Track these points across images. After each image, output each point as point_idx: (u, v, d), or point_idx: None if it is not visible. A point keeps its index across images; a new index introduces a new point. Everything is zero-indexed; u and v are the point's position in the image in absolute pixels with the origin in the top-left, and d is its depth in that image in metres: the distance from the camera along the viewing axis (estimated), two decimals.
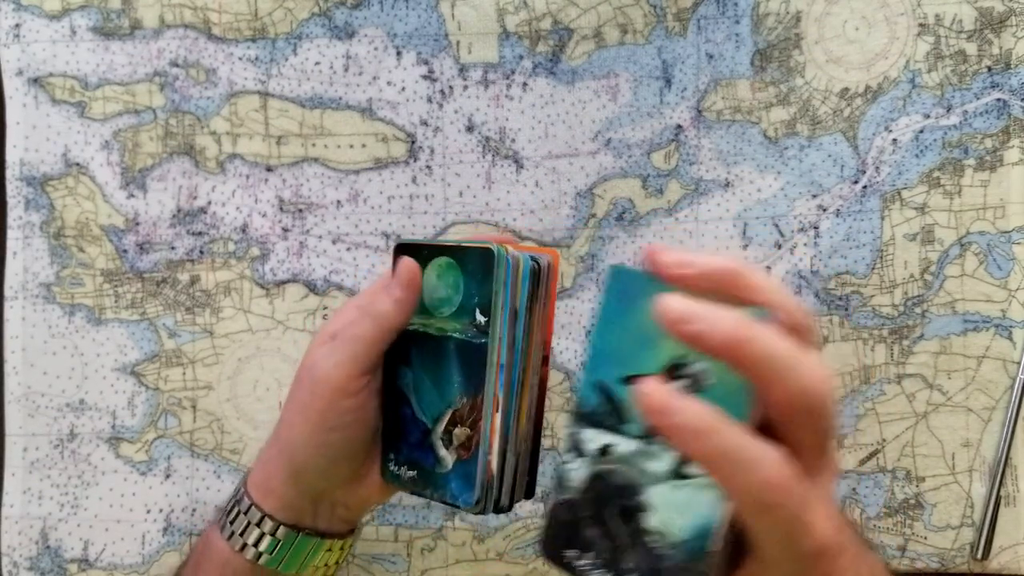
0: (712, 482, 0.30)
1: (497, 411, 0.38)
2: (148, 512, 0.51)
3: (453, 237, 0.51)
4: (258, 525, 0.42)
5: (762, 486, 0.28)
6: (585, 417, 0.33)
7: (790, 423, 0.30)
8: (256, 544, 0.42)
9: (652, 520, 0.31)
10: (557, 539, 0.34)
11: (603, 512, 0.33)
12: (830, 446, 0.31)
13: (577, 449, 0.34)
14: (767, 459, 0.28)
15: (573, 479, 0.33)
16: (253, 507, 0.42)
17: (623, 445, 0.32)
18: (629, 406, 0.32)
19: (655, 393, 0.29)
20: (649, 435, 0.32)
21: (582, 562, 0.33)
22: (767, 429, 0.30)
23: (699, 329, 0.29)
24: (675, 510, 0.31)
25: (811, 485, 0.30)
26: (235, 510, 0.42)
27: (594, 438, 0.33)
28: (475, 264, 0.38)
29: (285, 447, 0.41)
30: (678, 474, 0.31)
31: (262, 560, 0.42)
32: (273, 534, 0.42)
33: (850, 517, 0.37)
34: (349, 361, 0.39)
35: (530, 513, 0.51)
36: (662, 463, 0.31)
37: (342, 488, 0.42)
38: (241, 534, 0.42)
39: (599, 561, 0.32)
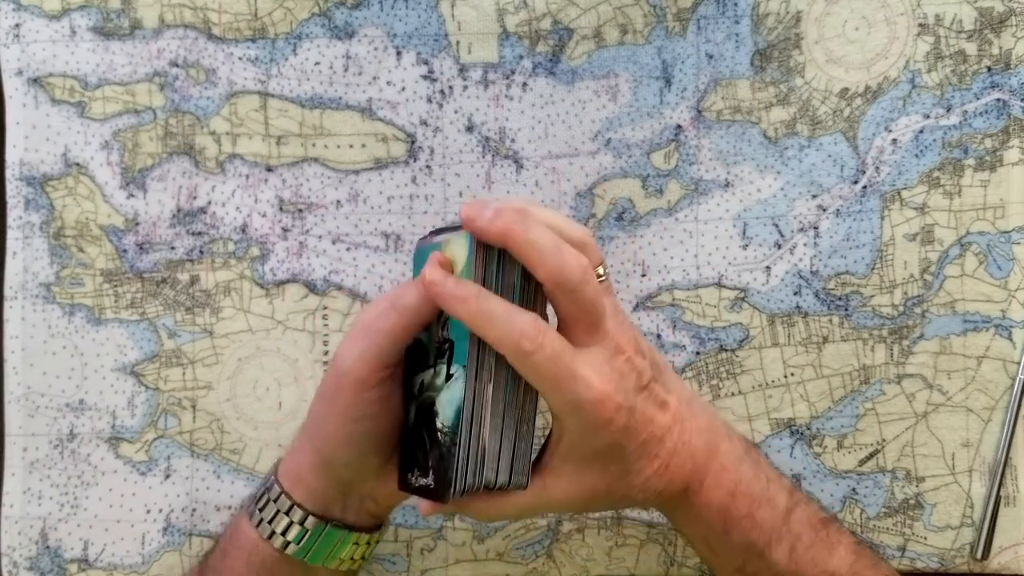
0: (462, 372, 0.37)
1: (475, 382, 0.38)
2: (148, 512, 0.51)
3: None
4: (287, 514, 0.42)
5: (516, 333, 0.35)
6: (414, 367, 0.41)
7: (555, 300, 0.37)
8: (284, 533, 0.42)
9: (438, 421, 0.39)
10: (402, 470, 0.41)
11: (422, 433, 0.40)
12: (601, 325, 0.38)
13: (411, 395, 0.41)
14: (520, 315, 0.36)
15: (409, 418, 0.41)
16: (283, 495, 0.42)
17: (428, 376, 0.40)
18: (431, 347, 0.40)
19: (432, 272, 0.37)
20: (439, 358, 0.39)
21: (418, 481, 0.40)
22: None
23: (481, 223, 0.36)
24: (446, 405, 0.38)
25: (579, 348, 0.37)
26: (265, 498, 0.43)
27: (416, 380, 0.41)
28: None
29: (315, 438, 0.42)
30: (447, 377, 0.38)
31: (289, 550, 0.42)
32: (302, 523, 0.42)
33: (742, 437, 0.45)
34: (371, 353, 0.40)
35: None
36: (440, 376, 0.39)
37: (371, 481, 0.43)
38: (270, 522, 0.42)
39: (424, 472, 0.39)
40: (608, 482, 0.40)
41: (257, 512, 0.43)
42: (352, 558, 0.44)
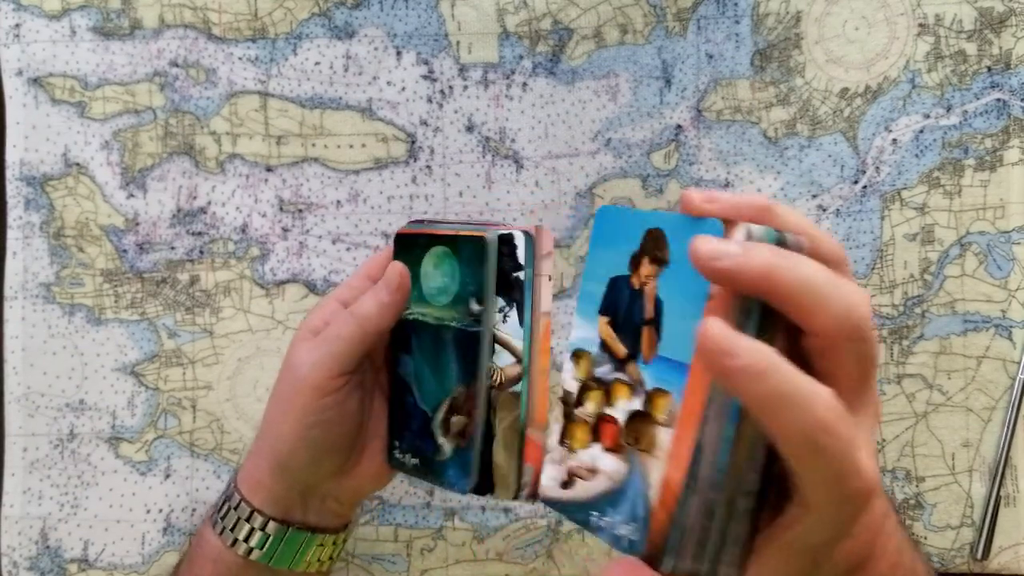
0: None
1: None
2: (148, 512, 0.51)
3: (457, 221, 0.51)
4: (248, 520, 0.42)
5: (814, 427, 0.27)
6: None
7: (833, 353, 0.29)
8: (247, 539, 0.42)
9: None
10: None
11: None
12: (873, 378, 0.30)
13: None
14: (820, 399, 0.27)
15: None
16: (243, 502, 0.42)
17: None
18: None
19: (718, 334, 0.27)
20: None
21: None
22: (805, 366, 0.28)
23: (731, 264, 0.27)
24: None
25: (857, 423, 0.28)
26: (225, 506, 0.42)
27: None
28: (469, 253, 0.38)
29: (271, 443, 0.42)
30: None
31: (253, 556, 0.42)
32: (263, 529, 0.42)
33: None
34: (329, 360, 0.40)
35: (530, 513, 0.51)
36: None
37: (330, 481, 0.42)
38: (232, 529, 0.42)
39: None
40: (805, 571, 0.31)
41: (219, 520, 0.42)
42: (319, 559, 0.44)
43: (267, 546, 0.42)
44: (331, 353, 0.40)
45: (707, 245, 0.28)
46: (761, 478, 0.30)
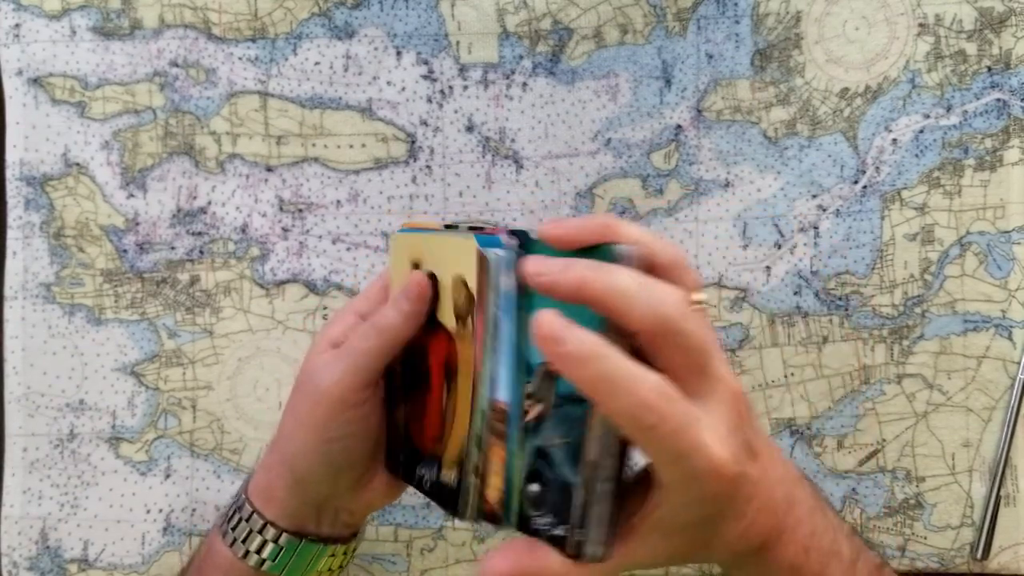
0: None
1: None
2: (148, 512, 0.51)
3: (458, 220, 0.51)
4: (260, 532, 0.42)
5: (640, 406, 0.29)
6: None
7: (655, 348, 0.31)
8: (259, 551, 0.42)
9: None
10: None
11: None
12: (710, 368, 0.32)
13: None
14: (645, 381, 0.30)
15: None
16: (255, 514, 0.42)
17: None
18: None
19: (548, 323, 0.30)
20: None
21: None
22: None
23: (549, 279, 0.31)
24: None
25: (694, 406, 0.31)
26: (236, 516, 0.42)
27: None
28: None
29: (287, 456, 0.41)
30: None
31: (265, 567, 0.42)
32: (276, 541, 0.42)
33: (803, 476, 0.38)
34: (352, 374, 0.39)
35: None
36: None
37: (345, 495, 0.42)
38: (243, 541, 0.42)
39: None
40: (691, 548, 0.35)
41: (230, 531, 0.42)
42: (330, 569, 0.44)
43: (279, 557, 0.42)
44: (355, 366, 0.39)
45: (533, 264, 0.32)
46: (618, 463, 0.32)
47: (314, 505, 0.42)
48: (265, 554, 0.42)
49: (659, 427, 0.30)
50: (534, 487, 0.34)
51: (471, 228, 0.39)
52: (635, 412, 0.30)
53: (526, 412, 0.35)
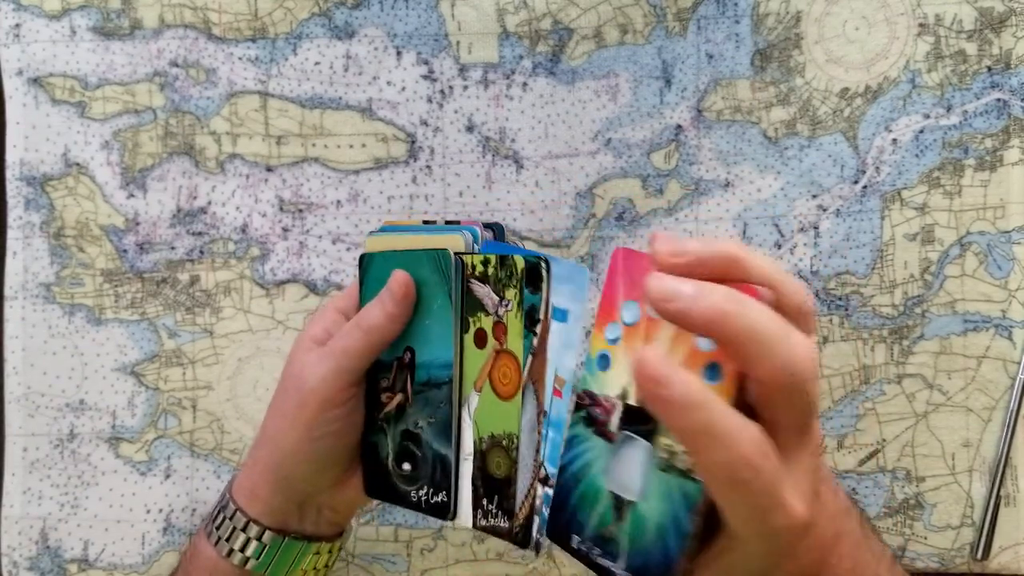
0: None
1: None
2: (148, 512, 0.51)
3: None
4: (243, 530, 0.42)
5: (736, 462, 0.28)
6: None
7: (771, 401, 0.29)
8: (243, 549, 0.42)
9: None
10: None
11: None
12: (811, 425, 0.31)
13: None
14: (745, 435, 0.28)
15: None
16: (238, 512, 0.42)
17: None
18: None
19: (653, 363, 0.28)
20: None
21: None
22: (745, 407, 0.29)
23: (682, 306, 0.28)
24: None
25: (786, 463, 0.29)
26: (221, 515, 0.42)
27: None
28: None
29: (271, 454, 0.41)
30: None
31: (249, 565, 0.42)
32: (259, 539, 0.42)
33: (851, 504, 0.36)
34: (337, 373, 0.39)
35: None
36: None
37: (328, 492, 0.42)
38: (227, 539, 0.42)
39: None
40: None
41: (215, 530, 0.42)
42: (315, 567, 0.44)
43: (263, 555, 0.42)
44: (339, 367, 0.39)
45: (661, 285, 0.28)
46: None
47: (297, 502, 0.42)
48: (249, 552, 0.42)
49: (751, 483, 0.28)
50: (406, 466, 0.39)
51: (447, 222, 0.40)
52: (731, 467, 0.28)
53: (384, 404, 0.39)
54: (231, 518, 0.42)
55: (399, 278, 0.39)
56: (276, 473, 0.41)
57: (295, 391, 0.40)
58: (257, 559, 0.42)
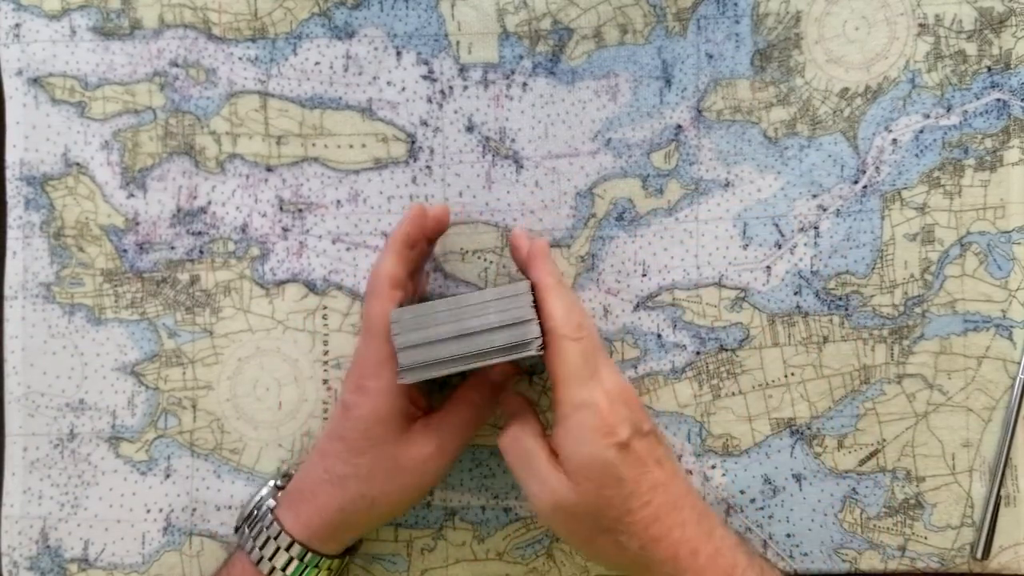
0: None
1: None
2: (148, 512, 0.51)
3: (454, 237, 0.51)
4: (287, 550, 0.44)
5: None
6: None
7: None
8: (284, 568, 0.44)
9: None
10: None
11: None
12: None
13: None
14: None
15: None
16: (310, 553, 0.44)
17: None
18: None
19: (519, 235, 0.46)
20: None
21: None
22: None
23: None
24: None
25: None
26: (285, 555, 0.44)
27: None
28: None
29: (356, 507, 0.44)
30: None
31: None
32: (302, 559, 0.44)
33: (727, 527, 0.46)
34: (441, 451, 0.45)
35: (530, 513, 0.51)
36: None
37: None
38: (271, 558, 0.44)
39: None
40: (604, 502, 0.41)
41: (257, 550, 0.45)
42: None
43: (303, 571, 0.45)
44: (450, 455, 0.45)
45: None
46: None
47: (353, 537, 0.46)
48: (290, 571, 0.44)
49: (583, 341, 0.42)
50: None
51: None
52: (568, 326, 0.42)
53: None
54: (302, 558, 0.44)
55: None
56: (352, 524, 0.45)
57: (413, 474, 0.44)
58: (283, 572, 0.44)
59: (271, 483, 0.49)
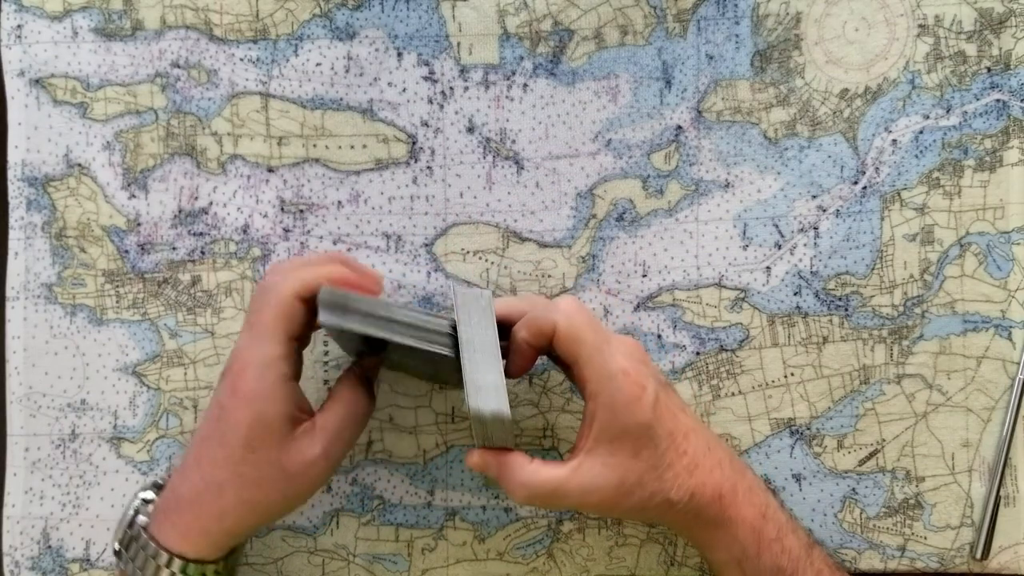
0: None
1: None
2: None
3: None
4: (167, 566, 0.42)
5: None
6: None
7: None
8: None
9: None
10: None
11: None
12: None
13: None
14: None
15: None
16: (168, 555, 0.42)
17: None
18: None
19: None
20: None
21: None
22: None
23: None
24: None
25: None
26: (152, 564, 0.42)
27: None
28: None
29: (238, 513, 0.42)
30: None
31: None
32: (183, 572, 0.42)
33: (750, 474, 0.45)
34: (327, 455, 0.43)
35: (530, 513, 0.51)
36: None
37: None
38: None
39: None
40: (640, 471, 0.41)
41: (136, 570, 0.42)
42: None
43: None
44: (333, 452, 0.44)
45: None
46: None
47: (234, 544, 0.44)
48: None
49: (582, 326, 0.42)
50: None
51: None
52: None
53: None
54: (168, 565, 0.42)
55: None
56: (232, 531, 0.42)
57: (295, 476, 0.42)
58: None
59: (138, 498, 0.45)
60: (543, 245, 0.51)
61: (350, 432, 0.44)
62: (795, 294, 0.51)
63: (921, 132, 0.51)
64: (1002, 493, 0.50)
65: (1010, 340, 0.50)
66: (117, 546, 0.43)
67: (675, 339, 0.51)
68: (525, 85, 0.51)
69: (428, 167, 0.51)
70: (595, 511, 0.44)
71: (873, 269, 0.51)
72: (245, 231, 0.52)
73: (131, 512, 0.44)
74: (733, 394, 0.51)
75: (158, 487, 0.45)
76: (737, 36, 0.51)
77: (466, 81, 0.51)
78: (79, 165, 0.51)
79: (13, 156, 0.51)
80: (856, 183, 0.51)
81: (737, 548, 0.43)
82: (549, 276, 0.51)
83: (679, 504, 0.42)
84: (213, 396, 0.42)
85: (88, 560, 0.51)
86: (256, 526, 0.43)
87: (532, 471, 0.41)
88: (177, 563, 0.41)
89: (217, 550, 0.43)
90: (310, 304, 0.41)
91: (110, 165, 0.51)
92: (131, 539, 0.43)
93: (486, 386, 0.40)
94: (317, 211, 0.51)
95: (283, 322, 0.41)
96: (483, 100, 0.51)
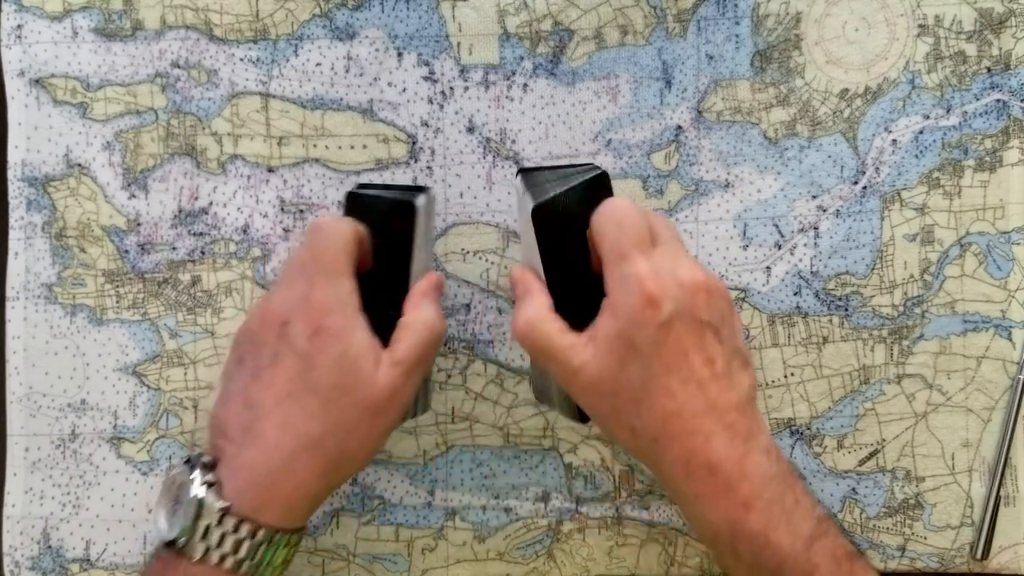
0: None
1: None
2: (150, 512, 0.51)
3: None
4: (235, 532, 0.39)
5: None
6: None
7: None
8: (235, 551, 0.39)
9: None
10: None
11: None
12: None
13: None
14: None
15: None
16: (244, 523, 0.39)
17: None
18: None
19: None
20: None
21: None
22: None
23: None
24: None
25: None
26: (230, 538, 0.39)
27: None
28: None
29: (325, 464, 0.40)
30: None
31: (244, 568, 0.39)
32: (252, 537, 0.39)
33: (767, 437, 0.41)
34: (408, 379, 0.42)
35: (530, 513, 0.51)
36: None
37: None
38: (217, 546, 0.39)
39: None
40: (624, 379, 0.38)
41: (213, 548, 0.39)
42: (286, 560, 0.41)
43: (257, 555, 0.39)
44: (414, 381, 0.43)
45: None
46: None
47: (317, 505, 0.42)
48: (242, 553, 0.39)
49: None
50: None
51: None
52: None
53: None
54: (252, 536, 0.39)
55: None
56: (332, 486, 0.41)
57: (390, 412, 0.41)
58: (252, 560, 0.39)
59: (198, 482, 0.40)
60: None
61: (428, 356, 0.42)
62: (795, 294, 0.51)
63: (921, 132, 0.51)
64: (1002, 493, 0.50)
65: (1010, 340, 0.50)
66: (180, 535, 0.39)
67: None
68: (525, 85, 0.51)
69: (428, 167, 0.51)
70: (578, 397, 0.41)
71: (873, 269, 0.51)
72: (245, 231, 0.52)
73: (199, 497, 0.39)
74: None
75: (209, 467, 0.40)
76: (737, 36, 0.51)
77: (466, 81, 0.51)
78: (79, 165, 0.51)
79: (13, 156, 0.51)
80: (856, 183, 0.51)
81: (709, 531, 0.39)
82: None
83: (642, 439, 0.39)
84: (277, 359, 0.40)
85: (88, 560, 0.51)
86: (348, 478, 0.43)
87: (545, 316, 0.40)
88: (280, 536, 0.39)
89: (310, 513, 0.41)
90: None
91: (110, 165, 0.51)
92: (207, 528, 0.39)
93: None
94: (317, 211, 0.51)
95: (349, 256, 0.41)
96: (483, 100, 0.51)
